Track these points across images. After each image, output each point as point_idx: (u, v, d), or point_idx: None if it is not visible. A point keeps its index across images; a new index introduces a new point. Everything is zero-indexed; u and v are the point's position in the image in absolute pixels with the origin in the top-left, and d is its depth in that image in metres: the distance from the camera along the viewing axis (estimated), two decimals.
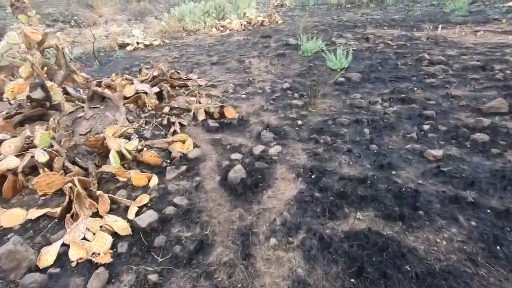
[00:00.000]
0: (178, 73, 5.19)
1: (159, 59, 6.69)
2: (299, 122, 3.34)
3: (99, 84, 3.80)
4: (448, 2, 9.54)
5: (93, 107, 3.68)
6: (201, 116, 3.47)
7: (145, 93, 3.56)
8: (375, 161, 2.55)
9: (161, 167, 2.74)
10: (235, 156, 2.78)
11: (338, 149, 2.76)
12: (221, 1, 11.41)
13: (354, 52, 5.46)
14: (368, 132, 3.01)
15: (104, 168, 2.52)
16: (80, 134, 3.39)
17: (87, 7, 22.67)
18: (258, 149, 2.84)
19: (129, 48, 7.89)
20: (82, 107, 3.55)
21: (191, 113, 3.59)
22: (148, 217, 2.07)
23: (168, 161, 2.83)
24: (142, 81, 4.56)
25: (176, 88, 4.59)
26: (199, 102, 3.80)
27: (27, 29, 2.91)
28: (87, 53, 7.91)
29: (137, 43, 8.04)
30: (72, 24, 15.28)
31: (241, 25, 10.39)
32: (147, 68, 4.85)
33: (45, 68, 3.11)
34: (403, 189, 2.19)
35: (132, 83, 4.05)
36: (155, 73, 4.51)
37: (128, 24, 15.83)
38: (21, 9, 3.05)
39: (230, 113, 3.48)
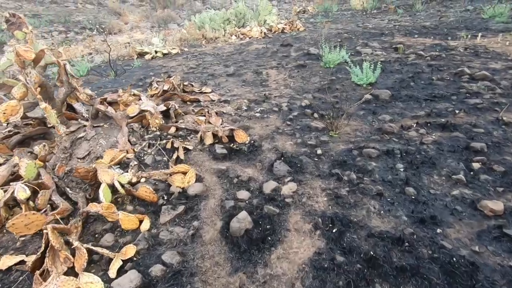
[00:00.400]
0: (192, 85, 4.85)
1: (175, 69, 6.40)
2: (319, 151, 2.85)
3: (103, 101, 3.50)
4: (486, 7, 8.67)
5: (96, 126, 3.37)
6: (208, 140, 3.06)
7: (149, 112, 3.20)
8: (413, 212, 2.02)
9: (157, 205, 2.35)
10: (242, 194, 2.34)
11: (365, 191, 2.25)
12: (241, 8, 11.09)
13: (382, 64, 4.89)
14: (402, 169, 2.48)
15: (91, 207, 2.16)
16: (78, 158, 3.08)
17: (115, 15, 23.22)
18: (269, 186, 2.39)
19: (147, 57, 7.68)
20: (85, 125, 3.25)
21: (198, 135, 3.20)
22: (129, 282, 1.67)
23: (166, 197, 2.44)
24: (152, 96, 4.24)
25: (187, 103, 4.23)
26: (209, 122, 3.40)
27: (19, 48, 2.63)
28: (108, 61, 7.78)
29: (156, 52, 7.83)
30: (94, 31, 15.51)
31: (261, 32, 9.98)
32: (158, 82, 4.53)
33: (38, 89, 2.81)
34: (454, 258, 1.66)
35: (140, 99, 3.72)
36: (166, 87, 4.18)
37: (151, 32, 15.89)
38: (17, 25, 2.80)
39: (241, 137, 3.05)
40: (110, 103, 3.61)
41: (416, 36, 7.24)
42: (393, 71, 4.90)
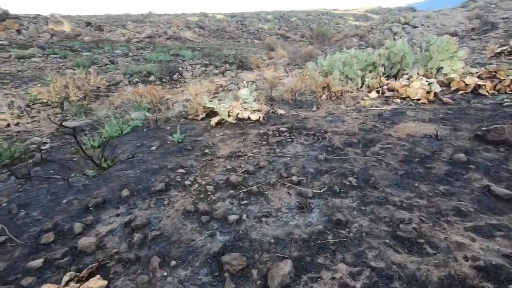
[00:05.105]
0: None
1: (216, 167, 2.84)
2: None
3: None
4: None
5: None
6: None
7: None
8: None
9: None
10: None
11: None
12: (400, 47, 6.36)
13: None
14: None
15: None
16: None
17: (270, 49, 22.32)
18: None
19: (214, 120, 4.51)
20: None
21: None
22: None
23: None
24: None
25: None
26: None
27: None
28: (185, 113, 5.11)
29: (228, 114, 4.55)
30: (233, 67, 14.10)
31: (428, 92, 5.02)
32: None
33: None
34: None
35: None
36: None
37: (285, 69, 13.14)
38: None
39: None
40: None
41: None
42: None
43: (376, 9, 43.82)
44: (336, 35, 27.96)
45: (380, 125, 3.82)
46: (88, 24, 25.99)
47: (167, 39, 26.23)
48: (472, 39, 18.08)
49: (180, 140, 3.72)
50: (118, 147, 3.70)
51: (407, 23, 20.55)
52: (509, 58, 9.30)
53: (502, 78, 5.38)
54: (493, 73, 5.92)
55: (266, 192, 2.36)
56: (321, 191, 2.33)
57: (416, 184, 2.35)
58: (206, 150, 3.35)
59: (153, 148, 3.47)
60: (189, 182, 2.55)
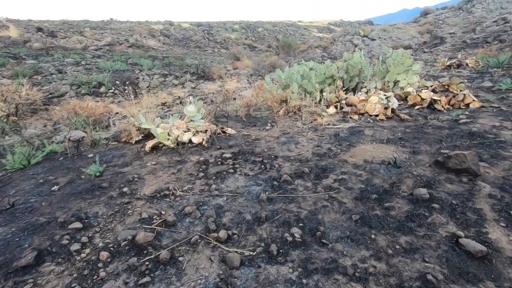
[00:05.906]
0: None
1: (126, 213, 2.15)
2: None
3: None
4: None
5: None
6: None
7: None
8: None
9: None
10: None
11: None
12: (357, 60, 6.12)
13: None
14: None
15: None
16: None
17: (235, 59, 21.82)
18: None
19: (149, 145, 3.79)
20: None
21: None
22: None
23: None
24: None
25: None
26: None
27: None
28: (121, 134, 4.28)
29: (168, 136, 3.86)
30: (194, 77, 13.37)
31: (386, 108, 4.75)
32: None
33: None
34: None
35: None
36: None
37: (248, 80, 12.69)
38: None
39: None
40: None
41: None
42: None
43: (338, 22, 45.65)
44: (301, 46, 28.34)
45: (335, 149, 3.36)
46: (40, 29, 23.79)
47: (128, 47, 24.78)
48: (424, 52, 19.09)
49: (98, 174, 2.96)
50: (13, 185, 2.85)
51: (366, 36, 21.27)
52: (458, 70, 9.64)
53: (455, 92, 5.29)
54: (446, 87, 5.88)
55: (180, 259, 1.71)
56: (255, 253, 1.74)
57: (373, 236, 1.85)
58: (126, 189, 2.63)
59: (56, 187, 2.68)
60: (79, 246, 1.83)
